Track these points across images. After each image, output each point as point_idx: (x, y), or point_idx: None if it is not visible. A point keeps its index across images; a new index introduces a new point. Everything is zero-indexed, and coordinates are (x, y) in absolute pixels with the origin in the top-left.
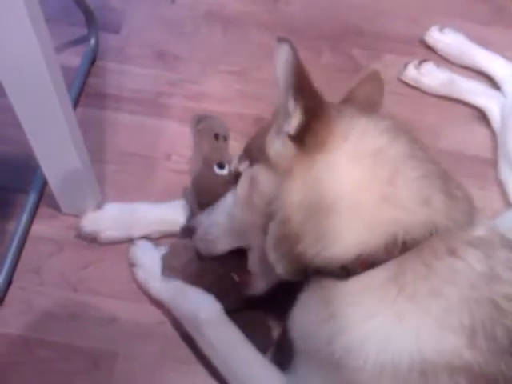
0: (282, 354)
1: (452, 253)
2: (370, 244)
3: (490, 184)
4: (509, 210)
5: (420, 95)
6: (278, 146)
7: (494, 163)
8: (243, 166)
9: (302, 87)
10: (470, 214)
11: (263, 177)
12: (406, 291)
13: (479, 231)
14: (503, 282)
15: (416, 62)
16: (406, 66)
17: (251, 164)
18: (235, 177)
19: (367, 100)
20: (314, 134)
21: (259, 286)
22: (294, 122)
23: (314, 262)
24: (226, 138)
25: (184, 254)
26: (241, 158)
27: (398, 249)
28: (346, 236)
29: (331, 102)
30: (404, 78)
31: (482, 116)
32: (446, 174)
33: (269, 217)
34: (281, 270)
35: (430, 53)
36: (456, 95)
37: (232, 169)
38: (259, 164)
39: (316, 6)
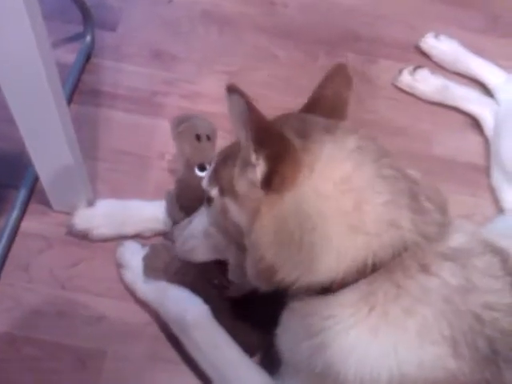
0: (270, 357)
1: (424, 269)
2: (342, 270)
3: (482, 191)
4: (500, 215)
5: (414, 101)
6: (245, 188)
7: (486, 170)
8: (214, 192)
9: (262, 137)
10: (444, 225)
11: (233, 211)
12: (377, 310)
13: (454, 240)
14: (480, 292)
15: (411, 68)
16: (400, 71)
17: (221, 193)
18: (207, 200)
19: (334, 96)
20: (281, 175)
21: (237, 290)
22: (259, 171)
23: (294, 287)
24: (209, 138)
25: (165, 254)
26: (211, 181)
27: (368, 269)
28: (319, 265)
29: (294, 113)
30: (399, 84)
31: (475, 123)
32: (415, 186)
33: (243, 246)
34: (264, 289)
35: (425, 59)
36: (450, 102)
37: (204, 186)
38: (229, 197)
39: (313, 9)
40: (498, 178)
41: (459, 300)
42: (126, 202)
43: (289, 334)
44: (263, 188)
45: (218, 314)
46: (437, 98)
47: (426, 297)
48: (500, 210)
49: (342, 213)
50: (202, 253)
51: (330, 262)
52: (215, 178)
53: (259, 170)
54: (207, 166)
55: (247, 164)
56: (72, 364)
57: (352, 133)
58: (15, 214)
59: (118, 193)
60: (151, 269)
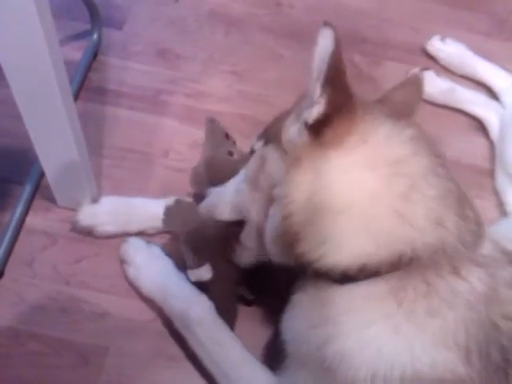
0: (274, 354)
1: (455, 272)
2: (376, 257)
3: (487, 193)
4: (504, 218)
5: (420, 103)
6: (293, 132)
7: (491, 173)
8: (258, 144)
9: (334, 79)
10: (478, 234)
11: (272, 159)
12: (404, 307)
13: (486, 249)
14: (503, 302)
15: (417, 70)
16: (407, 73)
17: (266, 144)
18: (250, 153)
19: (403, 103)
20: (333, 128)
21: (243, 257)
22: (315, 111)
23: (314, 266)
24: (235, 143)
25: (187, 211)
26: (259, 137)
27: (403, 264)
28: (352, 245)
29: (362, 98)
30: None
31: (480, 126)
32: (463, 193)
33: (271, 200)
34: (278, 261)
35: (431, 62)
36: (455, 104)
37: (249, 146)
38: (273, 145)
39: (320, 11)
40: (502, 182)
41: (482, 308)
42: (130, 199)
43: (297, 320)
44: (312, 133)
45: (221, 285)
46: (442, 100)
47: (453, 299)
48: (504, 213)
49: (390, 194)
50: (225, 211)
51: (366, 245)
52: (263, 133)
53: (317, 108)
54: (234, 154)
55: (303, 110)
56: (75, 360)
57: (414, 125)
58: (20, 209)
59: (121, 190)
60: (171, 221)
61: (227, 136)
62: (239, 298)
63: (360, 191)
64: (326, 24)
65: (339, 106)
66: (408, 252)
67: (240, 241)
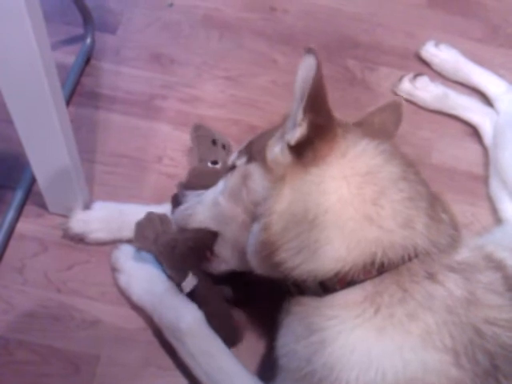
0: (267, 366)
1: (431, 277)
2: (348, 262)
3: (481, 200)
4: (498, 226)
5: (414, 109)
6: (277, 152)
7: (484, 179)
8: (241, 161)
9: (315, 103)
10: (454, 237)
11: (256, 176)
12: (382, 312)
13: (461, 254)
14: (482, 306)
15: (411, 75)
16: (400, 79)
17: (248, 161)
18: (231, 168)
19: (382, 126)
20: (314, 149)
21: (219, 267)
22: (297, 133)
23: (293, 274)
24: (224, 147)
25: (158, 225)
26: (240, 153)
27: (375, 269)
28: (326, 251)
29: (342, 120)
30: (398, 92)
31: (474, 132)
32: (434, 196)
33: (252, 217)
34: (260, 272)
35: (425, 67)
36: (449, 110)
37: (230, 161)
38: (257, 163)
39: (314, 16)
40: (496, 188)
41: (462, 312)
42: (122, 205)
43: (287, 336)
44: (294, 154)
45: (203, 293)
46: (436, 106)
47: (430, 304)
48: (498, 220)
49: (361, 200)
50: (200, 219)
51: (339, 250)
52: (246, 150)
53: (299, 131)
54: (220, 162)
55: (287, 131)
56: (65, 368)
57: (388, 142)
58: (11, 215)
59: (114, 196)
60: (142, 237)
61: (214, 142)
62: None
63: (332, 199)
64: (309, 50)
65: (320, 129)
66: (379, 254)
67: (214, 253)
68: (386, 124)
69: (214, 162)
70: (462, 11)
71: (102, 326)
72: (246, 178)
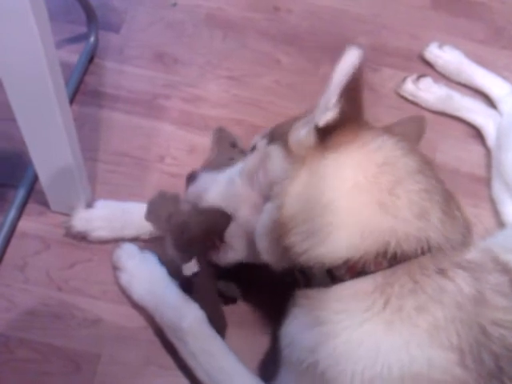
0: (268, 365)
1: (441, 272)
2: (361, 249)
3: (483, 202)
4: (501, 229)
5: (417, 110)
6: (302, 134)
7: (487, 181)
8: (262, 142)
9: (351, 94)
10: (465, 236)
11: (275, 157)
12: (392, 303)
13: (471, 254)
14: (490, 307)
15: (414, 76)
16: (404, 80)
17: (270, 141)
18: (251, 149)
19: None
20: (338, 135)
21: (227, 257)
22: (328, 116)
23: (301, 260)
24: (243, 152)
25: (172, 204)
26: (263, 135)
27: (386, 260)
28: (338, 237)
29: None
30: (402, 93)
31: (477, 134)
32: (449, 193)
33: (266, 198)
34: (267, 258)
35: (429, 69)
36: (453, 112)
37: (252, 143)
38: (278, 145)
39: (318, 16)
40: (498, 191)
41: (470, 309)
42: (125, 204)
43: (292, 326)
44: (318, 138)
45: (200, 283)
46: (440, 107)
47: (441, 297)
48: (500, 222)
49: (377, 188)
50: (213, 197)
51: (352, 236)
52: (269, 133)
53: (330, 114)
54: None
55: (316, 115)
56: (65, 367)
57: (407, 142)
58: (13, 213)
59: (116, 195)
60: (154, 215)
61: (233, 145)
62: (220, 295)
63: (349, 185)
64: (357, 44)
65: (349, 118)
66: (392, 244)
67: (224, 240)
68: (407, 136)
69: (231, 159)
70: (466, 13)
71: (103, 325)
72: (265, 158)
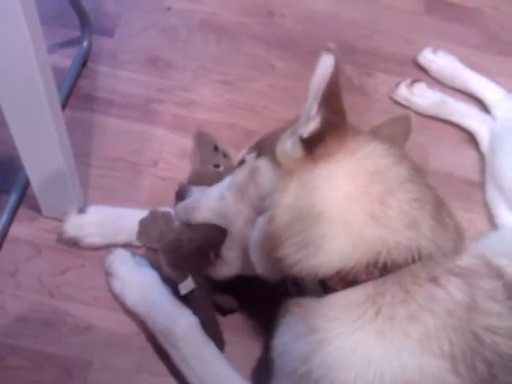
0: (261, 372)
1: (433, 280)
2: (352, 259)
3: (477, 206)
4: (493, 231)
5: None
6: (288, 146)
7: (481, 186)
8: (250, 156)
9: (330, 100)
10: (457, 243)
11: (264, 170)
12: (383, 313)
13: (464, 260)
14: (483, 313)
15: (408, 81)
16: (397, 85)
17: (258, 156)
18: (239, 163)
19: (390, 138)
20: (325, 145)
21: (223, 271)
22: (310, 127)
23: (294, 271)
24: (225, 155)
25: (163, 223)
26: (250, 149)
27: (378, 270)
28: (330, 247)
29: (353, 124)
30: (395, 97)
31: (470, 138)
32: (440, 201)
33: (258, 211)
34: (260, 270)
35: (423, 74)
36: (446, 117)
37: (239, 156)
38: (266, 158)
39: (312, 21)
40: (492, 195)
41: (462, 316)
42: (117, 209)
43: (284, 336)
44: (305, 149)
45: (197, 300)
46: (433, 112)
47: (432, 306)
48: (493, 226)
49: (367, 199)
50: (204, 214)
51: (343, 246)
52: (256, 145)
53: (312, 124)
54: (222, 166)
55: (300, 126)
56: (57, 374)
57: (397, 148)
58: (4, 218)
59: (109, 200)
60: (145, 234)
61: (216, 148)
62: (216, 307)
63: (340, 195)
64: (329, 49)
65: (332, 125)
66: (383, 254)
67: (219, 255)
68: (395, 136)
69: (216, 166)
70: (460, 18)
71: (95, 331)
72: (254, 172)
